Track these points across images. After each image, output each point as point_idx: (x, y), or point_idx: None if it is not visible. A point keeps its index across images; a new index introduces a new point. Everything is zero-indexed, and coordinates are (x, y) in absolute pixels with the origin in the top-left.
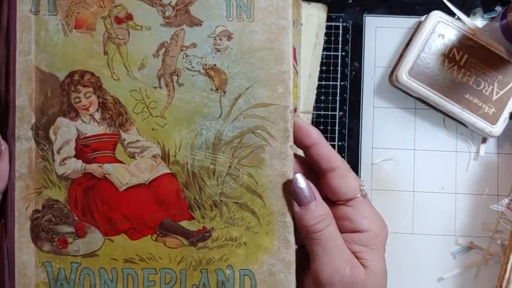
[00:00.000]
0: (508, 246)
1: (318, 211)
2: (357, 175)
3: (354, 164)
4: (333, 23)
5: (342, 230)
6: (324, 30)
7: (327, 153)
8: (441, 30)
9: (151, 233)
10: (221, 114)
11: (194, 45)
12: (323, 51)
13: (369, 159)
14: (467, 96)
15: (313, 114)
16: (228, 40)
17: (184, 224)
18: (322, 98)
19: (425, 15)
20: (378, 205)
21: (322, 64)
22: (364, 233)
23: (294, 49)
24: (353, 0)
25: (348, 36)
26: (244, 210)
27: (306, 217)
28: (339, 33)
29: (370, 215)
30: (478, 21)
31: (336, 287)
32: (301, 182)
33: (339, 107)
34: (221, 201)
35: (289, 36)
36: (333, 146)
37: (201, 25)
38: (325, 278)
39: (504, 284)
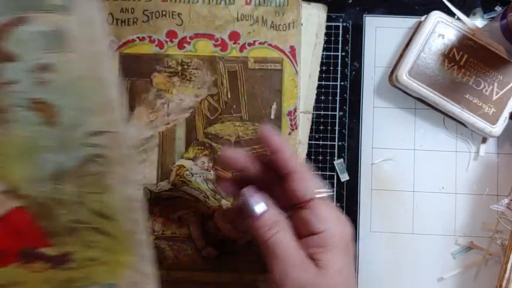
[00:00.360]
0: (508, 246)
1: (266, 220)
2: (357, 175)
3: (354, 164)
4: (333, 23)
5: (301, 234)
6: (324, 30)
7: (286, 158)
8: (441, 30)
9: (14, 261)
10: (57, 146)
11: (14, 80)
12: (323, 51)
13: (369, 159)
14: (467, 96)
15: (313, 114)
16: (50, 73)
17: (44, 250)
18: (322, 98)
19: (425, 15)
20: (377, 205)
21: (322, 64)
22: (319, 234)
23: (294, 49)
24: (353, 0)
25: (348, 36)
26: (100, 233)
27: (255, 226)
28: (339, 33)
29: (327, 216)
30: (478, 21)
31: None
32: (247, 192)
33: (339, 107)
34: (76, 227)
35: (109, 63)
36: (333, 146)
37: (17, 60)
38: (277, 282)
39: (504, 284)
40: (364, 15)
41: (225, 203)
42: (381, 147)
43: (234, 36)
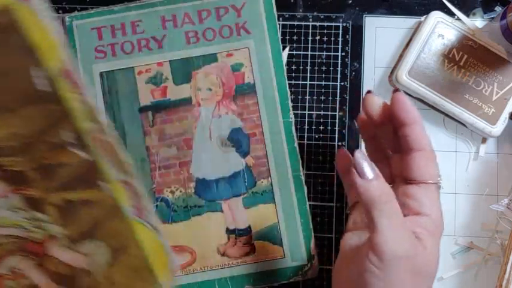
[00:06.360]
0: (508, 247)
1: (381, 185)
2: None
3: None
4: (333, 23)
5: (406, 211)
6: None
7: (421, 134)
8: (441, 30)
9: None
10: None
11: None
12: (322, 51)
13: None
14: (467, 97)
15: (313, 114)
16: None
17: None
18: (322, 98)
19: (425, 16)
20: None
21: (322, 64)
22: (426, 216)
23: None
24: (353, 1)
25: (347, 36)
26: None
27: (372, 188)
28: (338, 33)
29: (436, 203)
30: (478, 22)
31: (399, 259)
32: (361, 155)
33: (339, 107)
34: None
35: None
36: (333, 146)
37: None
38: (390, 250)
39: (504, 284)
40: (364, 15)
41: (57, 230)
42: None
43: None
